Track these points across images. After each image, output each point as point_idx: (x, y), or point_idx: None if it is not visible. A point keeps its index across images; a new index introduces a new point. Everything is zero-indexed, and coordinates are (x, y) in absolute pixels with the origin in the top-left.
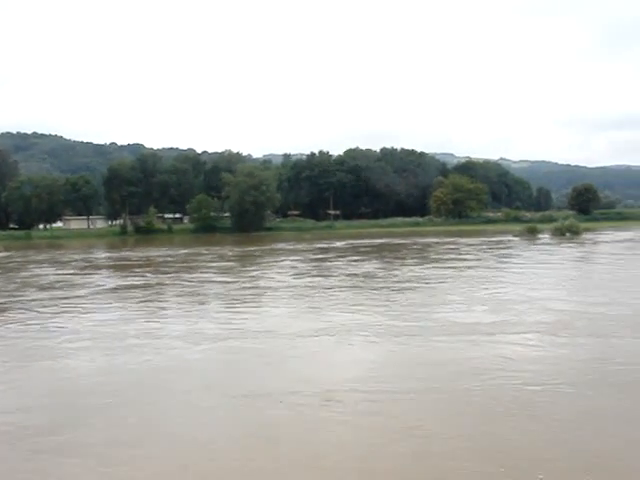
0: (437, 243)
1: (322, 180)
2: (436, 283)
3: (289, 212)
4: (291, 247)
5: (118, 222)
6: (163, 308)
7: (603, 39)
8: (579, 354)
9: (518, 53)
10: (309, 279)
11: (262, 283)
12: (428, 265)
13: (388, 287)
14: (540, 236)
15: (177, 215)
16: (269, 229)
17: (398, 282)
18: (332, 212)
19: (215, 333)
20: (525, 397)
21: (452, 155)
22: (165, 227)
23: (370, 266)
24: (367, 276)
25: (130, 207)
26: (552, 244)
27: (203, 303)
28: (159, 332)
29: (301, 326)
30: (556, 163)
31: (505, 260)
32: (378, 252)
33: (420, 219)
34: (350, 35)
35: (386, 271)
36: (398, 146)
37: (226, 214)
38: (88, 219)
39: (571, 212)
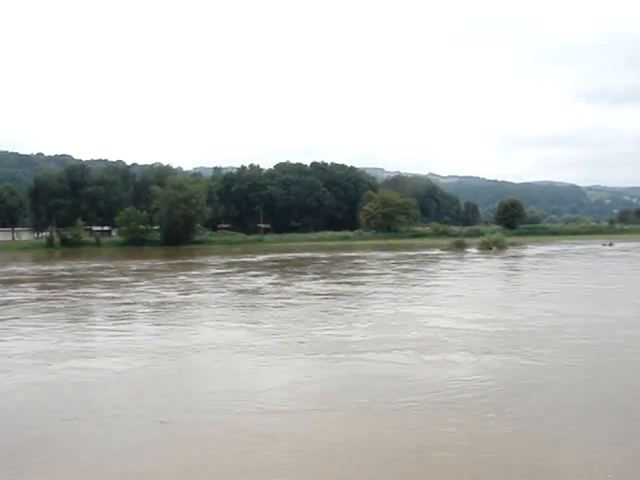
0: (351, 257)
1: (252, 193)
2: (320, 300)
3: (219, 225)
4: (204, 261)
5: (45, 234)
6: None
7: (529, 60)
8: (432, 372)
9: (448, 72)
10: (194, 295)
11: (142, 299)
12: (326, 280)
13: (269, 303)
14: (468, 250)
15: (106, 228)
16: (199, 242)
17: (283, 298)
18: (262, 226)
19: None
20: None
21: (382, 170)
22: (93, 240)
23: (265, 281)
24: (255, 292)
25: (57, 219)
26: (467, 258)
27: (57, 320)
28: None
29: (130, 346)
30: (483, 178)
31: (404, 275)
32: (288, 266)
33: (350, 233)
34: (282, 50)
35: (279, 286)
36: (328, 160)
37: (155, 227)
38: (13, 231)
39: (498, 227)
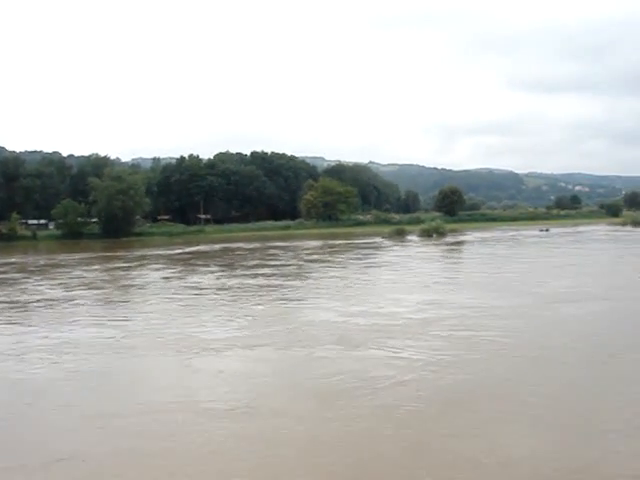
0: (277, 247)
1: (192, 184)
2: (198, 295)
3: (159, 217)
4: (123, 254)
5: None
6: None
7: (467, 49)
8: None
9: (387, 61)
10: (79, 292)
11: (19, 297)
12: (223, 274)
13: (149, 299)
14: (409, 237)
15: (42, 221)
16: (138, 234)
17: (162, 293)
18: (203, 216)
19: None
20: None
21: (322, 159)
22: (29, 234)
23: (161, 275)
24: (141, 287)
25: None
26: (383, 247)
27: None
28: None
29: None
30: (423, 166)
31: (310, 266)
32: (199, 259)
33: (291, 222)
34: (219, 38)
35: (169, 281)
36: (269, 150)
37: (94, 219)
38: None
39: (438, 214)
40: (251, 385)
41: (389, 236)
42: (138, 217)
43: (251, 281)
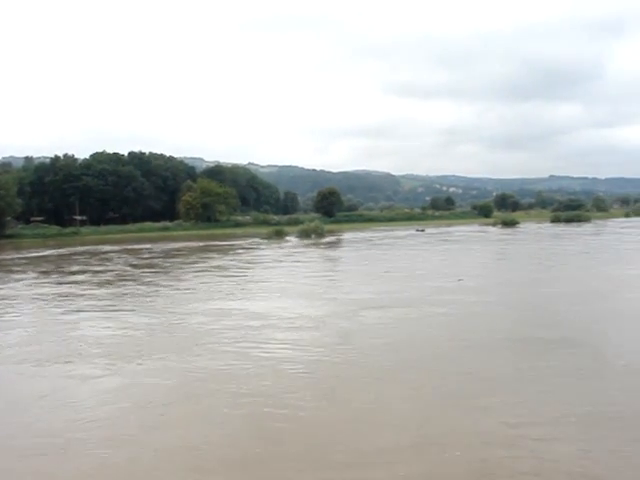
0: (125, 250)
1: (67, 185)
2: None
3: (32, 218)
4: None
5: None
6: None
7: (344, 55)
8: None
9: (267, 65)
10: None
11: None
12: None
13: None
14: (287, 238)
15: None
16: (9, 237)
17: None
18: (78, 218)
19: None
20: None
21: (201, 159)
22: None
23: None
24: None
25: None
26: (234, 251)
27: None
28: None
29: None
30: (303, 168)
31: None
32: (30, 264)
33: (169, 223)
34: (96, 37)
35: None
36: (146, 150)
37: None
38: None
39: (317, 215)
40: None
41: (268, 237)
42: (9, 219)
43: (56, 289)
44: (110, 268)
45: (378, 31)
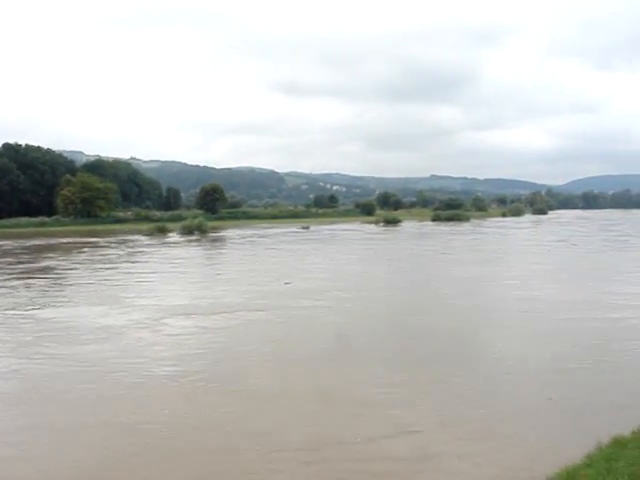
0: None
1: None
2: None
3: None
4: None
5: None
6: None
7: (227, 52)
8: None
9: (149, 57)
10: None
11: None
12: None
13: None
14: (170, 235)
15: None
16: None
17: None
18: None
19: None
20: None
21: (81, 153)
22: None
23: None
24: None
25: None
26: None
27: None
28: None
29: None
30: (186, 163)
31: None
32: None
33: (47, 219)
34: None
35: None
36: (23, 142)
37: None
38: None
39: (200, 211)
40: None
41: (149, 233)
42: None
43: None
44: None
45: (264, 29)
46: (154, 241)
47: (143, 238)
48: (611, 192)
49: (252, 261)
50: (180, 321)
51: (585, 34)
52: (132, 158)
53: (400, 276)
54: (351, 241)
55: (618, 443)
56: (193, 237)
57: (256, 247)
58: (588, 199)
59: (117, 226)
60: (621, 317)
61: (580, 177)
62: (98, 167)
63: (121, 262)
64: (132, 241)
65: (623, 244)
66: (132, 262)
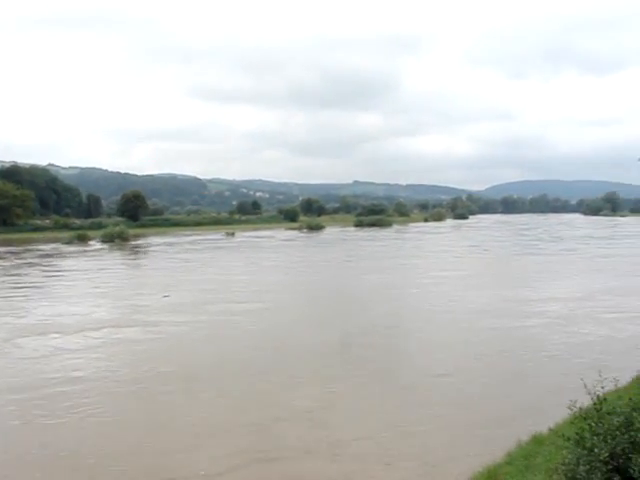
0: None
1: None
2: None
3: None
4: None
5: None
6: None
7: (145, 57)
8: None
9: (65, 61)
10: None
11: None
12: None
13: None
14: (91, 243)
15: None
16: None
17: None
18: None
19: None
20: None
21: None
22: None
23: None
24: None
25: None
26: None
27: None
28: None
29: None
30: (107, 170)
31: None
32: None
33: None
34: None
35: None
36: None
37: None
38: None
39: (121, 219)
40: None
41: (69, 242)
42: None
43: None
44: None
45: (185, 34)
46: (53, 251)
47: (62, 246)
48: (529, 197)
49: (146, 272)
50: (33, 342)
51: (500, 44)
52: (50, 164)
53: (296, 286)
54: (264, 248)
55: (537, 440)
56: (114, 244)
57: (161, 255)
58: (507, 204)
59: (35, 234)
60: (520, 325)
61: (499, 182)
62: (14, 174)
63: None
64: (31, 251)
65: (532, 249)
66: (12, 275)
